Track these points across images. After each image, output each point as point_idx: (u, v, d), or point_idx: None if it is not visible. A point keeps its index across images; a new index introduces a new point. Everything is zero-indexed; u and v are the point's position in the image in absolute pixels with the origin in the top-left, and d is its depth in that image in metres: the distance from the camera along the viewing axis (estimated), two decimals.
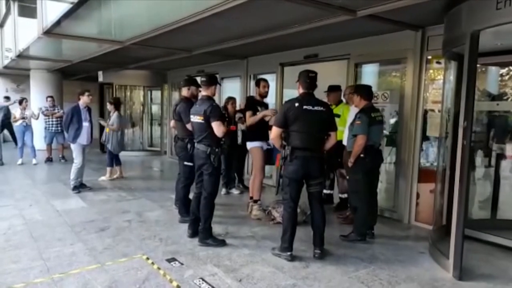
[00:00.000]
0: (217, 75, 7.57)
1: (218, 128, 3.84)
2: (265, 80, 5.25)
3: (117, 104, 7.65)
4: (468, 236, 3.74)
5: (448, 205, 4.00)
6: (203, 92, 4.13)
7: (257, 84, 5.21)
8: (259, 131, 5.03)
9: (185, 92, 4.82)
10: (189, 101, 4.63)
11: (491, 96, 4.90)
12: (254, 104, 5.13)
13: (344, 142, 4.60)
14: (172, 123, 5.10)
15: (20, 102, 9.03)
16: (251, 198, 5.17)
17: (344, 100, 5.42)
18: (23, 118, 8.82)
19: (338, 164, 5.10)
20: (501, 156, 4.81)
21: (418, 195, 4.96)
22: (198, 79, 4.75)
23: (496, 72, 5.01)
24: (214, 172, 3.96)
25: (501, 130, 4.90)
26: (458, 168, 3.34)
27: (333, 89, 5.41)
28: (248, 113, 5.03)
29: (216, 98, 4.24)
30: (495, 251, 4.01)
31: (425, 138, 4.94)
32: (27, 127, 8.93)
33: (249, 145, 5.14)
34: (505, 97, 4.90)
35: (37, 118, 9.20)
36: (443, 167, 4.27)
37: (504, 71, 4.93)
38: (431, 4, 3.64)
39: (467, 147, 3.28)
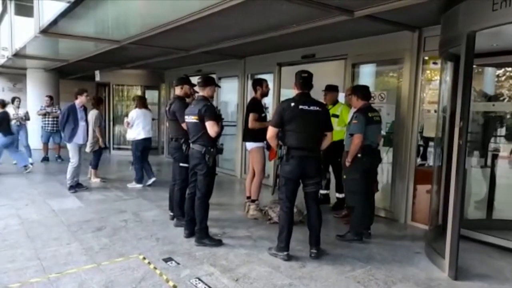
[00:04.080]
0: (215, 75, 7.57)
1: (211, 128, 3.83)
2: (266, 80, 5.26)
3: (99, 102, 7.30)
4: (464, 236, 3.75)
5: (444, 205, 4.01)
6: (199, 93, 4.13)
7: (260, 84, 5.16)
8: (261, 132, 5.01)
9: (178, 91, 4.79)
10: (183, 100, 4.64)
11: (487, 96, 4.92)
12: (258, 105, 5.09)
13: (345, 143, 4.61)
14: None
15: (12, 101, 8.75)
16: (248, 198, 5.17)
17: (339, 101, 5.45)
18: (16, 118, 8.64)
19: (336, 164, 5.12)
20: (496, 157, 4.83)
21: (414, 195, 4.98)
22: (196, 79, 4.73)
23: (492, 73, 5.03)
24: (208, 172, 3.95)
25: (497, 130, 4.93)
26: (454, 168, 3.36)
27: (331, 89, 5.42)
28: (252, 115, 4.94)
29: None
30: (491, 251, 4.03)
31: None
32: (21, 127, 8.74)
33: (251, 145, 5.12)
34: (501, 98, 4.92)
35: (27, 120, 8.98)
36: (439, 167, 4.28)
37: (500, 72, 4.95)
38: (428, 5, 3.66)
39: (463, 147, 3.30)
